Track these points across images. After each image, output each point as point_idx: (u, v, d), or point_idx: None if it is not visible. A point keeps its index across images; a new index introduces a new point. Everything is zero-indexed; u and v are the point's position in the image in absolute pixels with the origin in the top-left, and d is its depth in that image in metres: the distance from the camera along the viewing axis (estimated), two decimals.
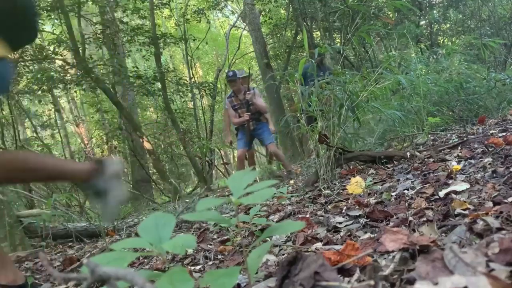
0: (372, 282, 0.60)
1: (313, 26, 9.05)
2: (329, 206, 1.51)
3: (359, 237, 1.01)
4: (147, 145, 7.39)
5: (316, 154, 2.26)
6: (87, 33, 7.38)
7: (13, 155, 1.34)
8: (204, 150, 7.41)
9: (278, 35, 11.42)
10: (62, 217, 3.16)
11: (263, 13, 10.48)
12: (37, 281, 1.47)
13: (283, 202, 1.88)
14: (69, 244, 2.52)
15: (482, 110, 3.48)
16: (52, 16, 7.02)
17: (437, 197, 1.16)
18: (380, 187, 1.60)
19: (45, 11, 6.70)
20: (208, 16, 10.37)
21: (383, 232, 0.85)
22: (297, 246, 1.06)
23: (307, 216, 1.39)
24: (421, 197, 1.20)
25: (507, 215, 0.80)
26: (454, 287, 0.49)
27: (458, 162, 1.62)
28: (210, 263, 1.18)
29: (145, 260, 1.47)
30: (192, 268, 1.16)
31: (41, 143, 8.69)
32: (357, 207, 1.34)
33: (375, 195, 1.49)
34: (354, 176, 1.88)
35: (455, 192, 1.14)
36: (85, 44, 6.74)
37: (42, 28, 8.72)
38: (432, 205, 1.10)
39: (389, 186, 1.55)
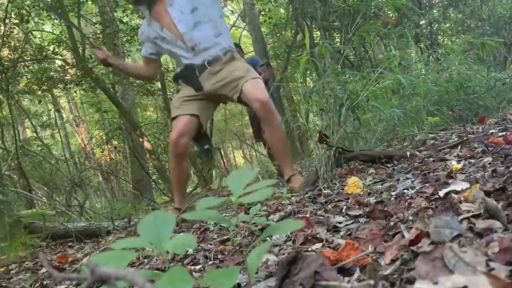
0: (372, 282, 0.60)
1: (313, 25, 9.05)
2: (329, 206, 1.51)
3: None
4: (147, 145, 7.39)
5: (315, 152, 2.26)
6: (87, 33, 7.38)
7: None
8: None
9: (278, 35, 11.42)
10: (62, 217, 3.16)
11: (262, 12, 10.48)
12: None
13: (283, 202, 1.88)
14: (69, 244, 2.52)
15: (482, 109, 3.49)
16: (52, 16, 7.02)
17: (437, 196, 1.16)
18: (380, 186, 1.60)
19: (45, 11, 6.70)
20: None
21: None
22: (297, 246, 1.06)
23: (307, 215, 1.40)
24: (421, 196, 1.20)
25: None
26: (454, 286, 0.49)
27: (458, 162, 1.62)
28: (210, 262, 1.18)
29: (145, 260, 1.47)
30: (192, 267, 1.16)
31: (41, 143, 8.69)
32: (357, 206, 1.34)
33: (375, 194, 1.49)
34: (353, 175, 1.88)
35: (455, 192, 1.14)
36: (85, 44, 6.74)
37: (42, 28, 8.73)
38: (432, 204, 1.10)
39: (389, 186, 1.55)
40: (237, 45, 4.16)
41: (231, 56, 2.40)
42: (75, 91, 9.01)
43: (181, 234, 1.28)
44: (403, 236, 0.87)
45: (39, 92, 7.46)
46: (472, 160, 1.58)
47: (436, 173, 1.51)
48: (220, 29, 2.38)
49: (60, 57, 7.00)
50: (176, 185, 2.43)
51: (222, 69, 2.35)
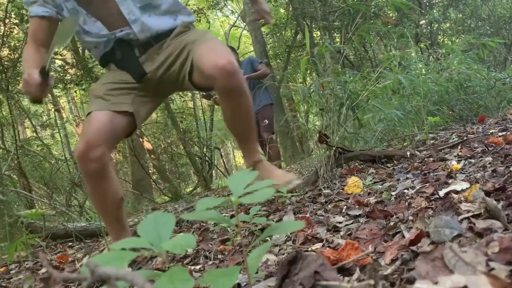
0: (372, 282, 0.60)
1: (313, 25, 9.05)
2: (329, 206, 1.51)
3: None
4: (147, 145, 7.40)
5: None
6: None
7: None
8: (205, 149, 7.40)
9: (278, 35, 11.43)
10: (62, 217, 3.16)
11: None
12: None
13: (282, 202, 1.88)
14: (69, 244, 2.52)
15: (482, 109, 3.49)
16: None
17: (437, 196, 1.16)
18: (380, 186, 1.60)
19: None
20: (208, 15, 10.36)
21: None
22: (297, 246, 1.06)
23: (307, 215, 1.40)
24: (421, 196, 1.20)
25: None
26: (454, 286, 0.49)
27: (458, 162, 1.62)
28: (210, 262, 1.18)
29: None
30: (192, 267, 1.16)
31: (41, 143, 8.69)
32: (357, 206, 1.34)
33: (375, 194, 1.49)
34: (353, 175, 1.88)
35: (455, 192, 1.14)
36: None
37: None
38: (432, 204, 1.10)
39: (389, 186, 1.55)
40: (232, 49, 4.16)
41: (186, 26, 1.64)
42: (75, 91, 9.00)
43: (181, 234, 1.28)
44: (403, 236, 0.87)
45: None
46: (472, 160, 1.58)
47: (436, 173, 1.51)
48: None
49: (60, 57, 7.00)
50: (104, 215, 1.59)
51: (170, 45, 1.59)
